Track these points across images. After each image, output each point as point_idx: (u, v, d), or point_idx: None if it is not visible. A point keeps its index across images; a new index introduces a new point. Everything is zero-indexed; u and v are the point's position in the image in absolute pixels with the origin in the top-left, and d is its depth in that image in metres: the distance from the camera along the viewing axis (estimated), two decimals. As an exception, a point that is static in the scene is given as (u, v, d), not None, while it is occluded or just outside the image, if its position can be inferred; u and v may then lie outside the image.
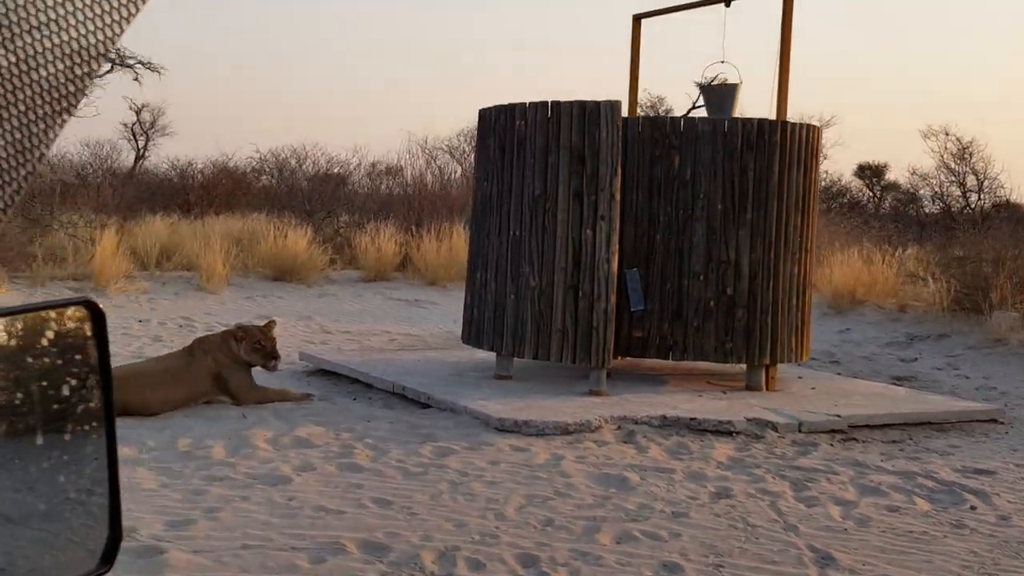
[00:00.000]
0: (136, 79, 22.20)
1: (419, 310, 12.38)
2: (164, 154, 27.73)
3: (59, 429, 0.88)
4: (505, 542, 4.09)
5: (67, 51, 0.78)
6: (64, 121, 0.77)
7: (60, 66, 0.77)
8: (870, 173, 30.87)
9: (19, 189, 0.77)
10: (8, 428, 0.84)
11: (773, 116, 7.43)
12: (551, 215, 6.92)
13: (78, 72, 0.78)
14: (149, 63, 22.02)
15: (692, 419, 6.18)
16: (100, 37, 0.80)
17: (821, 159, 7.66)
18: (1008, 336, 9.95)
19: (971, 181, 24.90)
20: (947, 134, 24.92)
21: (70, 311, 0.90)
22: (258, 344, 6.36)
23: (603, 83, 46.43)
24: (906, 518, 4.70)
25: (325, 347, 9.16)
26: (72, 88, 0.79)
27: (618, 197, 6.78)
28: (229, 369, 6.33)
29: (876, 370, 9.44)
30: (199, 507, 4.37)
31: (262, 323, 6.82)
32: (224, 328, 9.51)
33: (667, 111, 28.52)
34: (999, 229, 16.26)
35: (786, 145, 7.23)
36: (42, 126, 0.76)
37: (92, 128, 38.16)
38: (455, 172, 22.91)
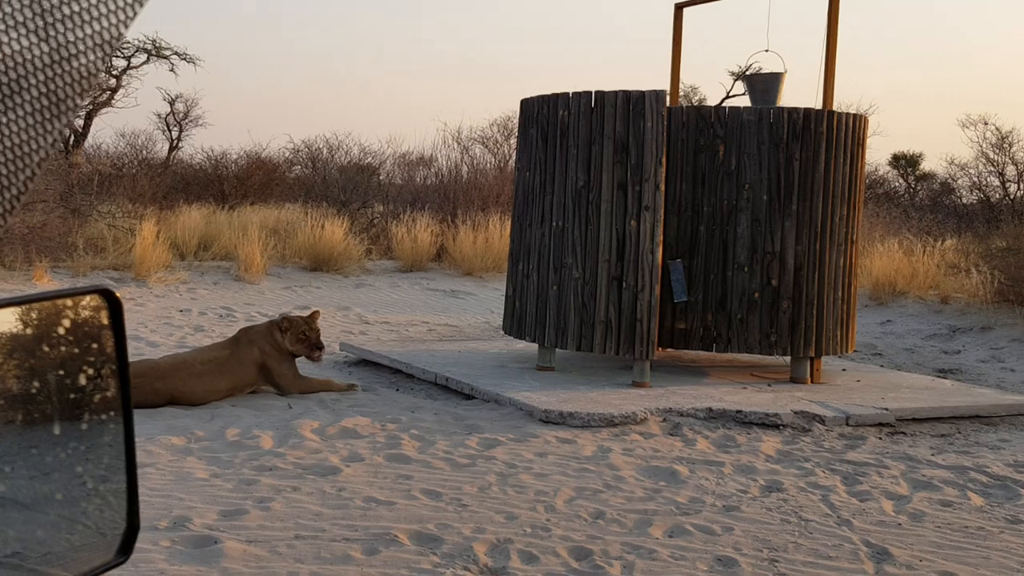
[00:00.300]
0: (172, 70, 22.36)
1: (456, 301, 12.38)
2: (197, 145, 27.79)
3: (76, 418, 0.87)
4: (557, 535, 4.07)
5: (93, 43, 0.76)
6: (60, 128, 0.76)
7: (86, 59, 0.76)
8: (905, 163, 30.53)
9: (19, 194, 0.75)
10: (25, 417, 0.83)
11: (814, 105, 7.35)
12: (595, 206, 6.88)
13: (92, 68, 0.76)
14: (185, 54, 22.17)
15: (738, 411, 6.13)
16: (115, 32, 0.78)
17: (867, 149, 7.56)
18: (1055, 329, 9.81)
19: (1010, 171, 24.56)
20: (986, 123, 24.60)
21: (87, 299, 0.89)
22: (303, 335, 6.37)
23: (636, 73, 46.17)
24: (961, 513, 4.63)
25: (365, 337, 9.18)
26: (83, 86, 0.77)
27: (663, 187, 6.73)
28: (274, 359, 6.35)
29: (919, 362, 9.34)
30: (251, 497, 4.39)
31: (305, 313, 6.83)
32: (267, 318, 9.56)
33: (700, 100, 28.37)
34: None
35: (832, 135, 7.15)
36: (40, 131, 0.75)
37: (127, 119, 38.39)
38: (489, 163, 22.88)
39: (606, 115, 6.84)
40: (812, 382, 7.22)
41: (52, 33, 0.73)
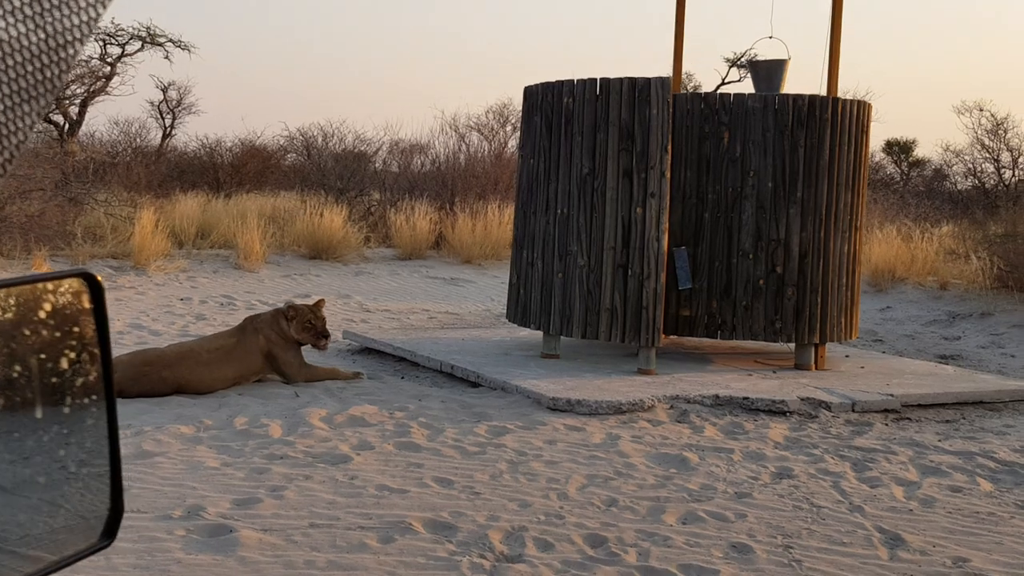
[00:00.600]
0: (166, 57, 22.25)
1: (456, 288, 12.37)
2: (191, 132, 27.70)
3: (58, 402, 0.87)
4: (571, 522, 4.08)
5: (71, 24, 0.76)
6: (48, 99, 0.75)
7: (64, 40, 0.75)
8: (898, 149, 30.56)
9: (10, 159, 0.75)
10: (6, 401, 0.82)
11: (814, 91, 7.34)
12: (600, 193, 6.87)
13: (71, 50, 0.76)
14: (180, 41, 22.06)
15: (745, 398, 6.14)
16: (93, 13, 0.78)
17: (870, 136, 7.56)
18: (1055, 314, 9.84)
19: (1005, 158, 24.60)
20: (981, 110, 24.62)
21: (68, 283, 0.88)
22: (309, 323, 6.36)
23: (632, 59, 46.09)
24: (971, 498, 4.65)
25: (366, 325, 9.17)
26: (61, 68, 0.76)
27: (668, 175, 6.72)
28: (280, 347, 6.34)
29: (920, 349, 9.36)
30: (263, 485, 4.38)
31: (309, 302, 6.82)
32: (268, 307, 9.54)
33: (696, 87, 28.32)
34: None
35: (837, 121, 7.14)
36: (18, 112, 0.74)
37: (121, 107, 38.23)
38: (485, 150, 22.83)
39: (611, 102, 6.82)
40: (817, 369, 7.23)
41: (28, 14, 0.73)
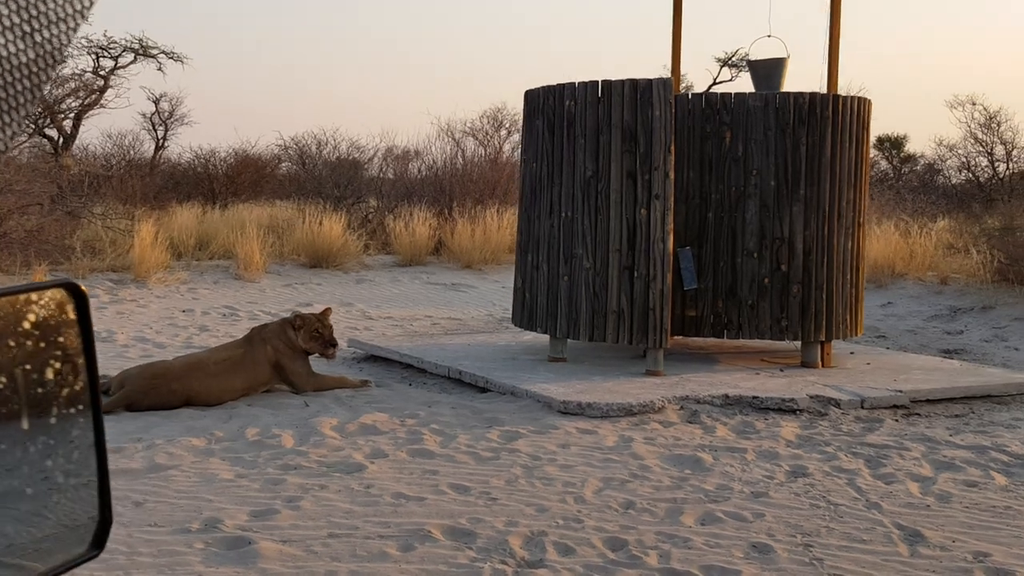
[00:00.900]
0: (159, 69, 22.23)
1: (457, 294, 12.36)
2: (183, 143, 27.67)
3: (44, 413, 0.87)
4: (590, 526, 4.07)
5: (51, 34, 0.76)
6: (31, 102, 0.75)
7: (43, 51, 0.76)
8: (889, 145, 30.62)
9: None
10: None
11: (812, 89, 7.35)
12: (604, 195, 6.87)
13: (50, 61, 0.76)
14: (172, 52, 22.04)
15: (754, 397, 6.14)
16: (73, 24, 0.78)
17: (871, 132, 7.57)
18: (1057, 306, 9.85)
19: (999, 151, 24.65)
20: (974, 104, 24.68)
21: (52, 294, 0.88)
22: (316, 332, 6.35)
23: (620, 62, 46.16)
24: (986, 493, 4.65)
25: (370, 333, 9.15)
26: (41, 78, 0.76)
27: (672, 175, 6.72)
28: (288, 357, 6.32)
29: (923, 344, 9.37)
30: (279, 496, 4.37)
31: (316, 311, 6.81)
32: (271, 317, 9.53)
33: (688, 87, 28.35)
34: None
35: (838, 119, 7.15)
36: (12, 103, 0.74)
37: (113, 120, 38.18)
38: (480, 155, 22.83)
39: (613, 104, 6.82)
40: (823, 366, 7.23)
41: (10, 24, 0.73)
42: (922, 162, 28.75)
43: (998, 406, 6.55)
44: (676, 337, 7.81)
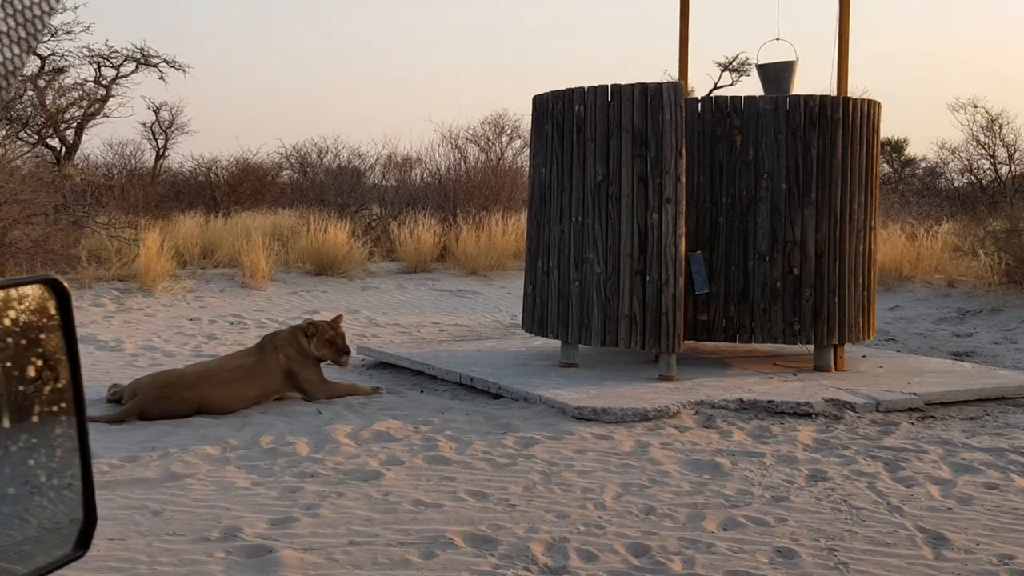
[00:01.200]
0: (161, 78, 22.22)
1: (463, 300, 12.34)
2: (184, 152, 27.67)
3: (26, 411, 0.85)
4: (612, 532, 4.04)
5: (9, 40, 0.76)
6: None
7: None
8: (890, 149, 30.61)
9: None
10: None
11: (819, 92, 7.33)
12: (615, 200, 6.85)
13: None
14: (174, 61, 22.02)
15: (769, 401, 6.11)
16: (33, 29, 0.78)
17: (881, 135, 7.56)
18: (1067, 308, 9.83)
19: (1001, 153, 24.63)
20: (975, 106, 24.67)
21: (33, 290, 0.87)
22: (330, 339, 6.32)
23: (621, 67, 46.15)
24: (1007, 495, 4.62)
25: (378, 340, 9.13)
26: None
27: (684, 179, 6.70)
28: (300, 364, 6.30)
29: (933, 346, 9.34)
30: (297, 504, 4.34)
31: (321, 318, 6.78)
32: (279, 324, 9.51)
33: (689, 92, 28.35)
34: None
35: (848, 122, 7.14)
36: None
37: (114, 129, 38.22)
38: (482, 161, 22.84)
39: (623, 108, 6.80)
40: (836, 370, 7.21)
41: None
42: (923, 165, 28.75)
43: (1012, 408, 6.52)
44: (687, 341, 7.78)
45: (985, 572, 3.69)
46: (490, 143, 24.60)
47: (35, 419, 0.86)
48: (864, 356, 7.97)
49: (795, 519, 4.22)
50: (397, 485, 4.64)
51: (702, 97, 7.24)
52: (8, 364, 0.83)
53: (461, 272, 14.17)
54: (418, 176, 19.31)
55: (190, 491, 4.53)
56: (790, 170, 7.04)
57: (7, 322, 0.84)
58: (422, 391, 6.89)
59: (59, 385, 0.87)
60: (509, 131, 25.30)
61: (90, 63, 21.15)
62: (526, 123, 28.62)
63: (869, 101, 7.37)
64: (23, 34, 0.76)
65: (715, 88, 28.73)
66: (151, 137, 26.07)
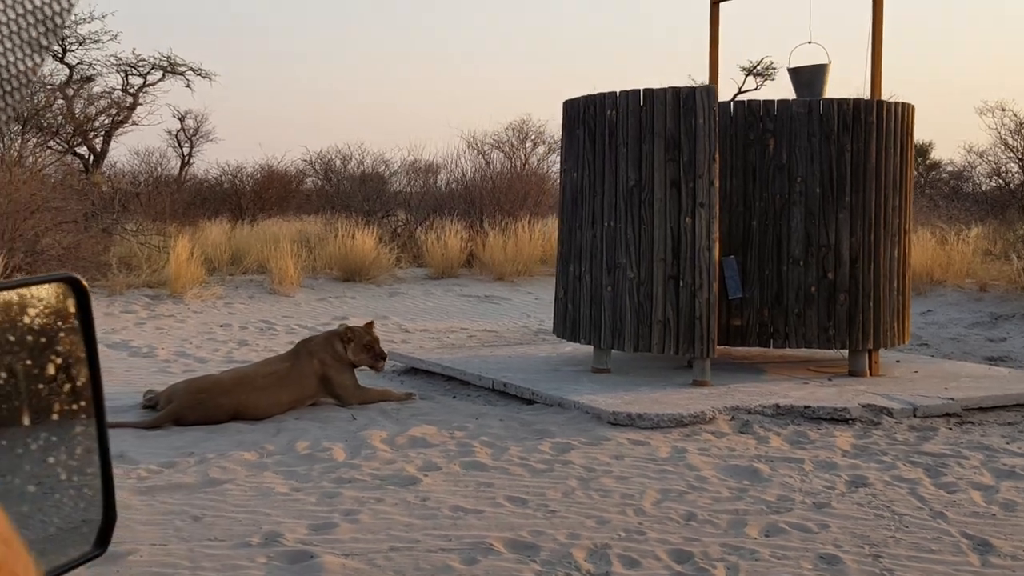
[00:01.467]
0: (188, 85, 22.36)
1: (491, 306, 12.33)
2: (209, 160, 27.85)
3: (46, 409, 0.85)
4: (653, 538, 4.02)
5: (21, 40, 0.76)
6: (13, 104, 0.75)
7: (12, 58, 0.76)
8: (915, 152, 30.38)
9: None
10: None
11: (853, 95, 7.28)
12: (647, 204, 6.82)
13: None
14: (200, 69, 22.16)
15: (806, 407, 6.07)
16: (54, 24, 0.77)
17: (914, 138, 7.50)
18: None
19: (1030, 157, 24.39)
20: (1003, 110, 24.46)
21: (53, 288, 0.87)
22: (366, 344, 6.33)
23: (644, 72, 46.12)
24: (1052, 502, 4.56)
25: (407, 346, 9.13)
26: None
27: (717, 184, 6.67)
28: (335, 370, 6.30)
29: (967, 351, 9.26)
30: (336, 510, 4.34)
31: (353, 323, 6.79)
32: (309, 330, 9.53)
33: (715, 97, 28.23)
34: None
35: (882, 125, 7.09)
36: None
37: (140, 137, 38.55)
38: (506, 167, 22.85)
39: (655, 113, 6.78)
40: (871, 375, 7.15)
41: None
42: (950, 168, 28.54)
43: (1051, 413, 6.44)
44: (720, 347, 7.74)
45: (1034, 579, 3.64)
46: (514, 149, 24.59)
47: (55, 417, 0.86)
48: (898, 361, 7.90)
49: (838, 525, 4.18)
50: (435, 491, 4.63)
51: (735, 101, 7.19)
52: (28, 362, 0.83)
53: (488, 278, 14.17)
54: (443, 182, 19.30)
55: (229, 496, 4.53)
56: (824, 174, 6.99)
57: (27, 320, 0.84)
58: (454, 397, 6.88)
59: (78, 383, 0.87)
60: (533, 137, 25.28)
61: (117, 71, 21.33)
62: (550, 129, 28.59)
63: (903, 104, 7.32)
64: (34, 34, 0.75)
65: (739, 92, 28.62)
66: (176, 145, 26.26)
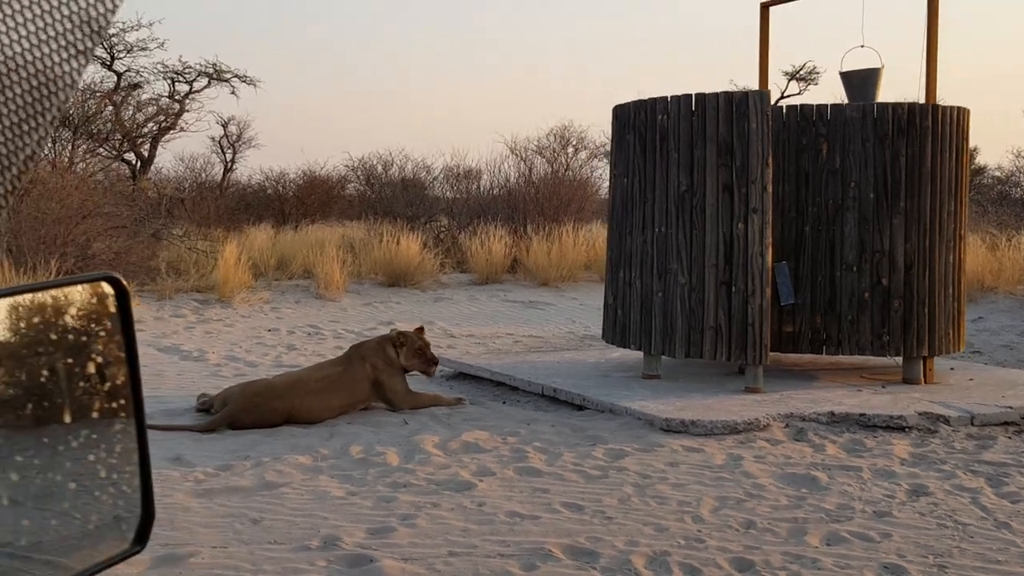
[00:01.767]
0: (233, 92, 22.59)
1: (536, 311, 12.32)
2: (252, 166, 28.09)
3: (87, 407, 0.85)
4: (712, 546, 3.98)
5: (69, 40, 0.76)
6: (58, 105, 0.74)
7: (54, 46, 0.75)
8: (966, 157, 29.95)
9: (19, 174, 0.75)
10: (36, 406, 0.81)
11: (908, 98, 7.20)
12: (699, 210, 6.78)
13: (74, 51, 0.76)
14: (245, 76, 22.38)
15: (861, 415, 5.99)
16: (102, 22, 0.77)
17: (970, 142, 7.39)
18: None
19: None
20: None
21: (94, 287, 0.87)
22: (418, 349, 6.35)
23: (685, 77, 45.95)
24: (1119, 513, 4.47)
25: (454, 351, 9.14)
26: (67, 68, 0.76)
27: (770, 189, 6.62)
28: (387, 374, 6.32)
29: (1021, 359, 9.11)
30: (393, 514, 4.34)
31: (400, 329, 6.81)
32: (356, 335, 9.58)
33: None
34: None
35: (938, 129, 7.00)
36: (38, 108, 0.74)
37: (184, 144, 39.05)
38: (548, 172, 22.83)
39: (707, 117, 6.74)
40: (926, 382, 7.05)
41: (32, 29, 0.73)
42: (996, 173, 28.15)
43: (1113, 423, 6.31)
44: (770, 353, 7.67)
45: (1105, 592, 3.56)
46: (556, 154, 24.57)
47: (94, 415, 0.86)
48: (952, 368, 7.79)
49: (900, 535, 4.12)
50: (490, 496, 4.62)
51: (787, 105, 7.13)
52: (69, 361, 0.84)
53: (532, 283, 14.16)
54: (486, 187, 19.32)
55: (286, 500, 4.56)
56: (878, 179, 6.91)
57: (68, 319, 0.84)
58: (504, 402, 6.87)
59: (118, 381, 0.88)
60: (575, 142, 25.25)
61: (164, 78, 21.60)
62: (591, 134, 28.51)
63: (958, 108, 7.22)
64: (78, 36, 0.76)
65: (782, 97, 28.40)
66: (219, 151, 26.52)
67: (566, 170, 22.62)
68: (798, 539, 4.07)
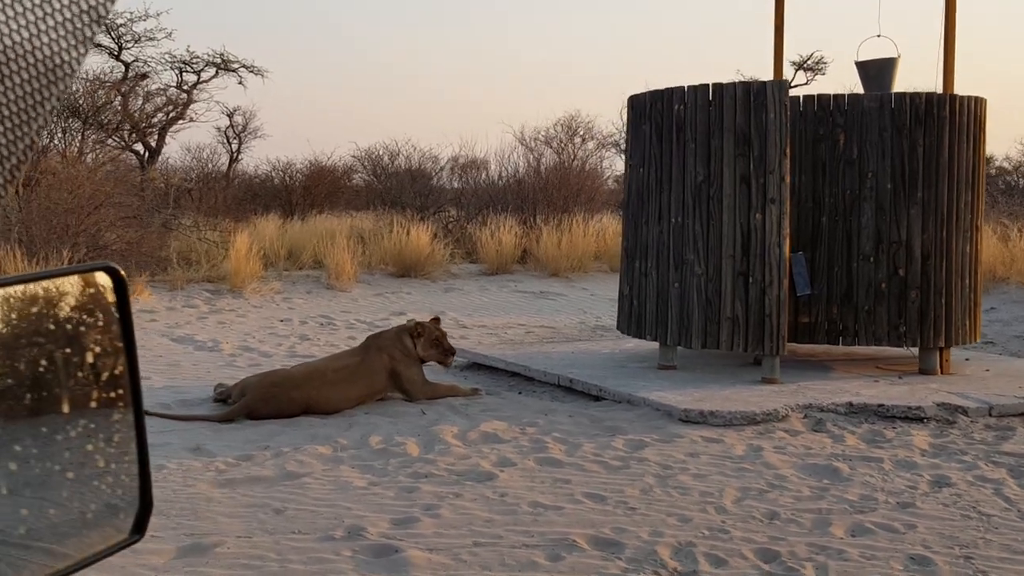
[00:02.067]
0: (240, 82, 22.55)
1: (547, 302, 12.31)
2: (258, 156, 28.04)
3: (85, 397, 0.86)
4: (737, 536, 3.98)
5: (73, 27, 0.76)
6: (58, 94, 0.75)
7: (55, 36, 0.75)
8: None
9: (18, 163, 0.75)
10: (33, 396, 0.81)
11: (924, 88, 7.17)
12: (716, 200, 6.77)
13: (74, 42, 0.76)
14: (252, 66, 22.34)
15: (880, 405, 5.98)
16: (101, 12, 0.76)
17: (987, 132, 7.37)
18: None
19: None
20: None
21: (91, 277, 0.87)
22: (436, 339, 6.35)
23: (692, 68, 45.86)
24: None
25: (466, 342, 9.12)
26: (67, 58, 0.76)
27: (788, 179, 6.60)
28: (404, 365, 6.32)
29: (1035, 350, 9.09)
30: (416, 504, 4.34)
31: (415, 319, 6.80)
32: (368, 326, 9.58)
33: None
34: None
35: (955, 119, 6.97)
36: (37, 98, 0.74)
37: (190, 134, 38.97)
38: (555, 162, 22.79)
39: (725, 107, 6.72)
40: (942, 373, 7.04)
41: (31, 18, 0.73)
42: (1003, 164, 28.07)
43: None
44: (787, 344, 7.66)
45: None
46: (563, 144, 24.52)
47: (93, 405, 0.87)
48: (967, 359, 7.78)
49: (925, 526, 4.12)
50: (512, 487, 4.62)
51: (804, 95, 7.11)
52: (67, 350, 0.84)
53: (543, 274, 14.16)
54: (495, 178, 19.28)
55: (308, 490, 4.56)
56: (895, 169, 6.89)
57: (66, 309, 0.85)
58: (520, 392, 6.87)
59: (116, 371, 0.88)
60: (583, 132, 25.20)
61: (172, 69, 21.57)
62: (599, 125, 28.46)
63: (976, 98, 7.19)
64: (79, 25, 0.76)
65: (791, 87, 28.36)
66: (225, 141, 26.49)
67: (574, 160, 22.59)
68: (823, 530, 4.06)
